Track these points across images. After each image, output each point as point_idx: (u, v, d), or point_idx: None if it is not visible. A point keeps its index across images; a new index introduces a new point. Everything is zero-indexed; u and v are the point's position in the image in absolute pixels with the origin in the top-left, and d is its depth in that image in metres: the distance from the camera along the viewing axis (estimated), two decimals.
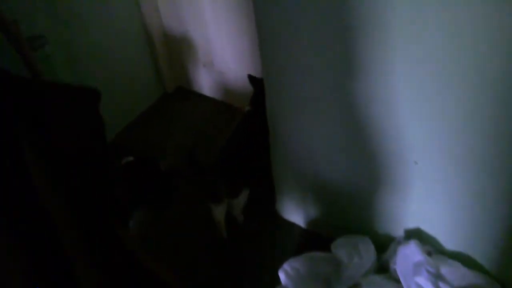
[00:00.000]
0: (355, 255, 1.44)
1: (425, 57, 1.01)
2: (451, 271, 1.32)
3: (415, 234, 1.44)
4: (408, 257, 1.35)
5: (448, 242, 1.39)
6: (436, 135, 1.16)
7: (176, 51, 2.39)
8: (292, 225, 1.79)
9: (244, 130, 1.84)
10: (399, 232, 1.49)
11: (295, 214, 1.77)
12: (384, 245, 1.50)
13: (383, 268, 1.47)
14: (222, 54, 2.20)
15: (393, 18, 0.98)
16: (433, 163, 1.23)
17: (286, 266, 1.48)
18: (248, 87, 2.23)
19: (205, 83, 2.44)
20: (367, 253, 1.46)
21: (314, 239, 1.73)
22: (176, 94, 2.55)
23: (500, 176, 1.13)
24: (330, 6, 1.04)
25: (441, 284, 1.29)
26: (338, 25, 1.07)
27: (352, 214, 1.57)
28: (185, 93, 2.55)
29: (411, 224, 1.44)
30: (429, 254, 1.39)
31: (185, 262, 1.75)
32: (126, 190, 2.03)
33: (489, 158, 1.11)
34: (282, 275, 1.46)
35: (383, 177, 1.36)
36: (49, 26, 1.76)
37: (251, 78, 1.92)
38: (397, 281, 1.36)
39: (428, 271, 1.30)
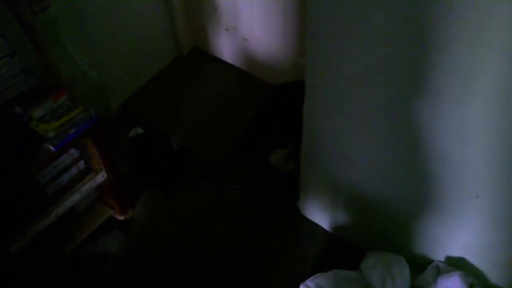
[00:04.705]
0: (388, 279, 1.31)
1: None
2: None
3: (458, 263, 1.29)
4: None
5: (495, 278, 1.24)
6: (506, 172, 1.00)
7: (196, 9, 2.10)
8: (316, 226, 1.64)
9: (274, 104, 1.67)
10: (439, 257, 1.34)
11: (321, 216, 1.61)
12: (419, 265, 1.36)
13: None
14: (250, 21, 1.92)
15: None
16: (496, 199, 1.07)
17: (309, 282, 1.35)
18: (273, 59, 1.99)
19: (225, 49, 2.17)
20: (402, 277, 1.32)
21: (340, 244, 1.58)
22: (192, 56, 2.28)
23: None
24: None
25: None
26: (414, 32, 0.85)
27: (388, 229, 1.41)
28: (203, 56, 2.28)
29: (456, 252, 1.29)
30: (471, 286, 1.25)
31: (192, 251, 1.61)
32: (133, 167, 1.85)
33: None
34: None
35: (436, 204, 1.19)
36: None
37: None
38: None
39: None
